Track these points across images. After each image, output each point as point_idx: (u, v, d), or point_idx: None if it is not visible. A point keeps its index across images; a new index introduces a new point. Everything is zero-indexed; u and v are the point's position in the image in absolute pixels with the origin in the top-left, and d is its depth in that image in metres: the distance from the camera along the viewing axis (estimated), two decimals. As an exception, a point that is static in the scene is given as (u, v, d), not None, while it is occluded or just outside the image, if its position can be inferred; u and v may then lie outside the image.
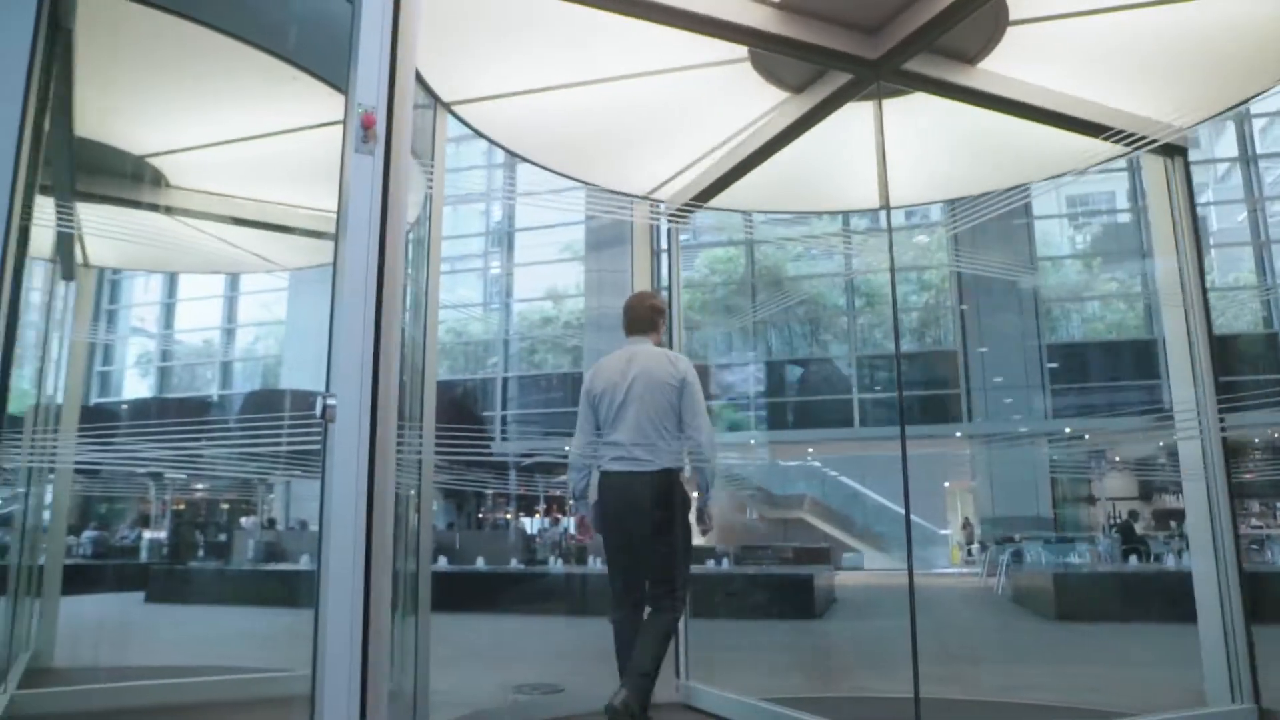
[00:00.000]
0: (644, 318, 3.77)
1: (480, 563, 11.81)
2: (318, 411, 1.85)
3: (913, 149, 4.35)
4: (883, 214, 5.43)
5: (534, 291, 23.55)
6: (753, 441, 20.17)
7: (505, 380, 22.31)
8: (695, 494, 3.71)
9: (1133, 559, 10.91)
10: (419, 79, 3.40)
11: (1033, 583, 10.62)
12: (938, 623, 8.85)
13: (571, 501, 3.73)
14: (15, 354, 2.53)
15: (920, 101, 3.89)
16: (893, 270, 3.87)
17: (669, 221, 4.70)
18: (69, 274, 5.25)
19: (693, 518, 3.64)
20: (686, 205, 4.47)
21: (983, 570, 16.17)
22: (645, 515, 3.48)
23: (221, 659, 6.22)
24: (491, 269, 23.30)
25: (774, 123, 3.87)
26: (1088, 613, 8.90)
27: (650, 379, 3.57)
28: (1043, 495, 18.38)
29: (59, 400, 5.30)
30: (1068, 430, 17.88)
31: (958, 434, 19.16)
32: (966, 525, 20.72)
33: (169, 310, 25.49)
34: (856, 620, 9.82)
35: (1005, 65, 3.59)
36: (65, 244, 4.89)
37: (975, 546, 19.23)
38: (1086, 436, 18.42)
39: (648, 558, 3.52)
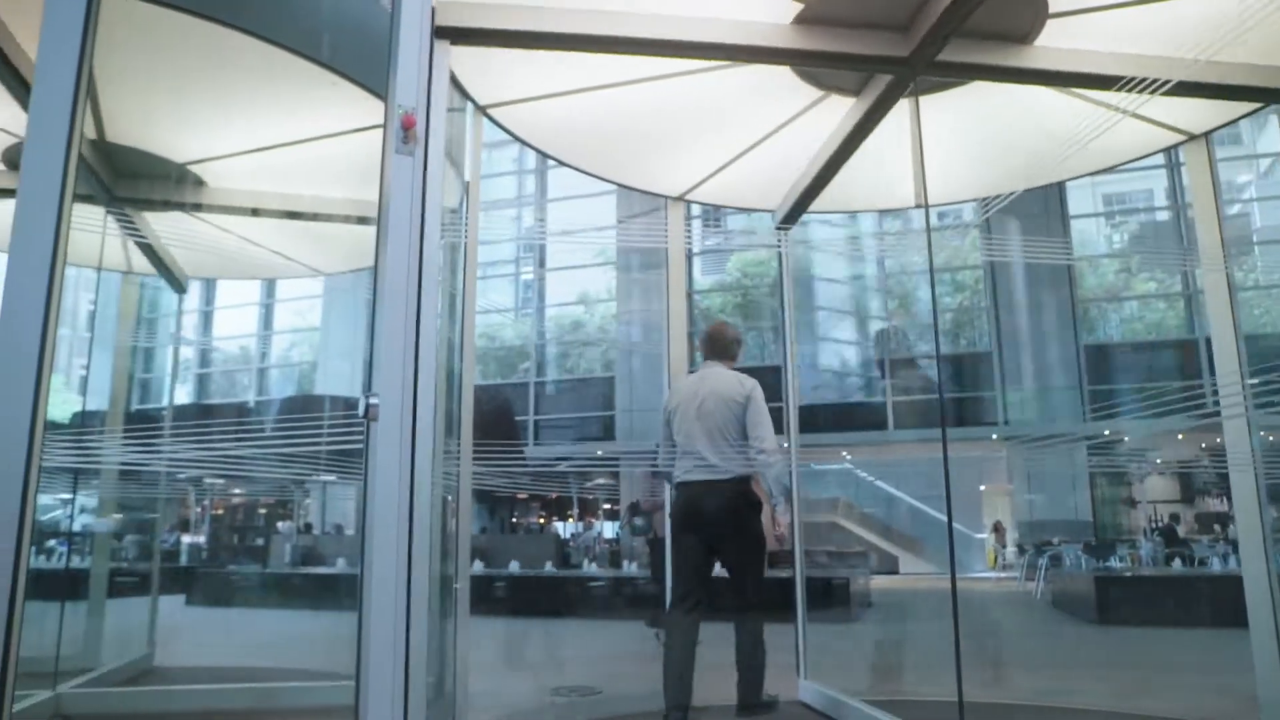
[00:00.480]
0: (723, 346, 4.17)
1: (514, 566, 11.84)
2: (360, 411, 1.86)
3: (947, 147, 4.31)
4: (914, 213, 5.40)
5: (566, 296, 23.62)
6: (785, 445, 20.04)
7: (537, 385, 22.39)
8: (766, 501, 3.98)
9: (1176, 562, 10.70)
10: (454, 82, 3.42)
11: (1073, 586, 10.45)
12: (977, 627, 8.74)
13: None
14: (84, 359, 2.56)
15: (956, 99, 3.85)
16: (931, 271, 3.84)
17: (778, 231, 4.90)
18: (181, 286, 5.44)
19: (767, 522, 3.90)
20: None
21: (1021, 574, 15.95)
22: (717, 521, 3.80)
23: (279, 662, 6.28)
24: (523, 274, 23.40)
25: (837, 131, 3.84)
26: (1131, 617, 8.75)
27: (719, 397, 3.92)
28: (1081, 498, 18.10)
29: (140, 406, 5.44)
30: (1106, 432, 17.60)
31: (993, 436, 18.93)
32: (998, 528, 20.45)
33: (207, 318, 25.86)
34: (893, 624, 9.73)
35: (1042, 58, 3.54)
36: (160, 257, 5.03)
37: (1011, 550, 18.98)
38: (1126, 439, 18.13)
39: (721, 560, 3.86)
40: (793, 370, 4.81)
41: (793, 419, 4.75)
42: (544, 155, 4.22)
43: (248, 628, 9.38)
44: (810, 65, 3.46)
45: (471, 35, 3.10)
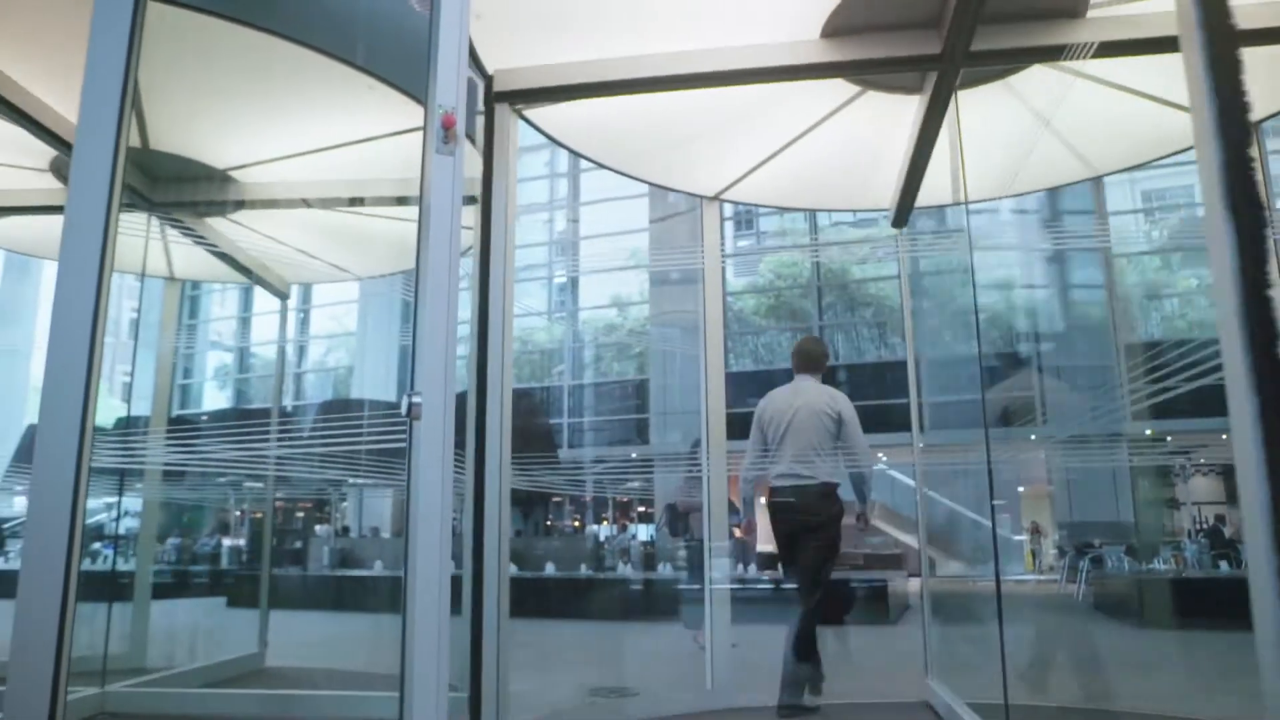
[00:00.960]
0: (813, 361, 4.58)
1: (549, 569, 11.86)
2: (403, 410, 1.87)
3: (984, 143, 4.26)
4: (948, 211, 5.34)
5: (599, 299, 23.66)
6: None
7: (571, 388, 22.43)
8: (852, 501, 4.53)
9: (1223, 564, 10.47)
10: (490, 83, 3.43)
11: (1116, 589, 10.27)
12: (1019, 630, 8.61)
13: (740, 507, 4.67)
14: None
15: (994, 93, 3.80)
16: (972, 269, 3.80)
17: (895, 231, 4.97)
18: (282, 292, 5.56)
19: (850, 521, 4.41)
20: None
21: (1061, 576, 15.71)
22: (802, 522, 4.26)
23: (333, 663, 6.34)
24: (556, 278, 23.47)
25: (910, 132, 3.82)
26: (1176, 620, 8.58)
27: (811, 409, 4.34)
28: (1123, 500, 17.79)
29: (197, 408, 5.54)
30: (1148, 432, 17.29)
31: (1032, 437, 18.66)
32: (1036, 530, 20.14)
33: (244, 324, 26.22)
34: (934, 626, 9.60)
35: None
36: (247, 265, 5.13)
37: (1051, 553, 18.69)
38: (1169, 439, 17.79)
39: (798, 556, 4.26)
40: (913, 366, 5.09)
41: (915, 417, 4.98)
42: (579, 156, 4.22)
43: (295, 629, 9.47)
44: (846, 75, 3.50)
45: (531, 96, 3.44)
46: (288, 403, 25.09)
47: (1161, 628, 8.53)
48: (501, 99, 3.39)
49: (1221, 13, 1.80)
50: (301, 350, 25.53)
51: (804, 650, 4.12)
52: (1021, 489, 21.26)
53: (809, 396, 4.40)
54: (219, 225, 4.74)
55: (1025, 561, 20.51)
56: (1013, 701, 3.26)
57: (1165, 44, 3.25)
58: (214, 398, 26.32)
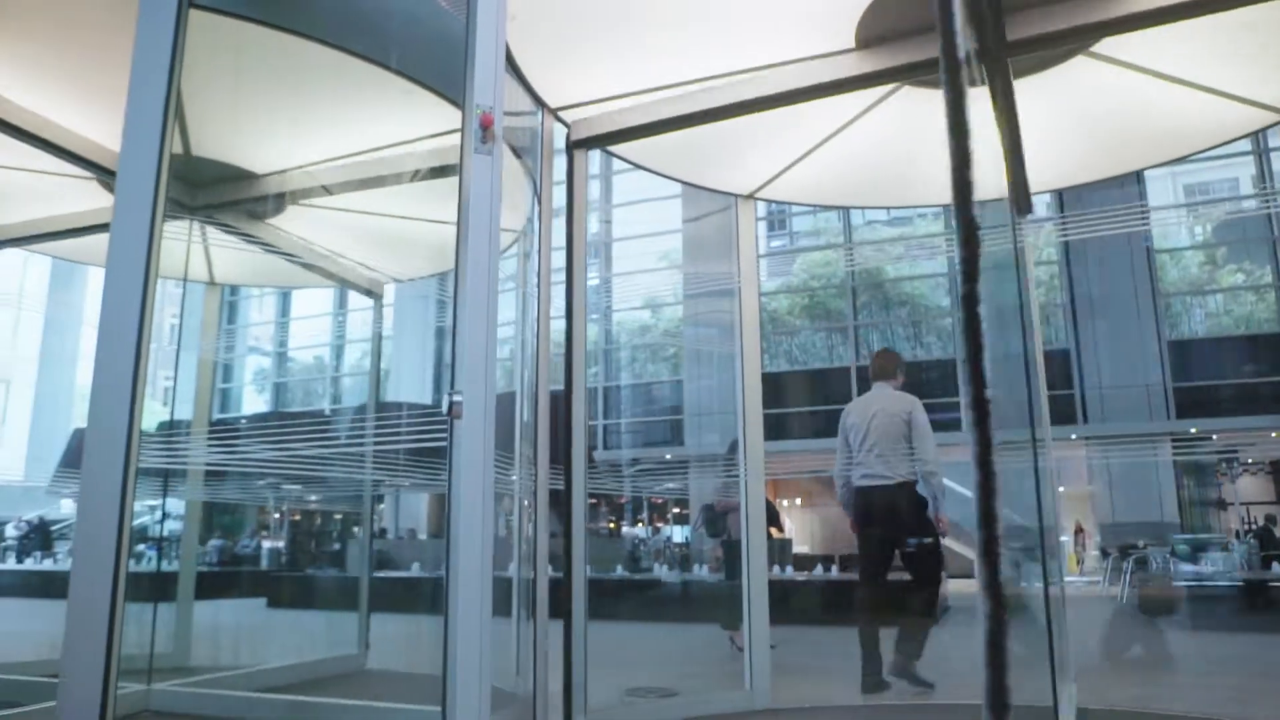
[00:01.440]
0: (887, 369, 5.00)
1: (585, 570, 11.86)
2: (444, 409, 1.88)
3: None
4: (985, 208, 5.25)
5: (632, 301, 23.67)
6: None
7: (605, 390, 22.46)
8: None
9: (1275, 566, 10.24)
10: (525, 85, 3.44)
11: (1161, 591, 10.08)
12: (1062, 631, 8.47)
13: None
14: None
15: (1030, 86, 3.74)
16: (1019, 266, 3.73)
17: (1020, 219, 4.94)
18: (376, 292, 5.69)
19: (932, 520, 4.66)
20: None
21: (1104, 579, 15.44)
22: (888, 518, 4.64)
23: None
24: (589, 280, 23.51)
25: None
26: (1225, 622, 8.41)
27: (887, 414, 4.74)
28: (1167, 500, 17.46)
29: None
30: (1193, 430, 16.97)
31: (1073, 436, 18.37)
32: (1079, 531, 19.81)
33: (282, 328, 26.54)
34: (973, 627, 9.48)
35: (1125, 45, 3.43)
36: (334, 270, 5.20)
37: (1095, 554, 18.37)
38: (1214, 437, 17.44)
39: (898, 548, 4.64)
40: (1040, 360, 5.02)
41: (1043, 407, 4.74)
42: (615, 157, 4.22)
43: (335, 630, 9.56)
44: (885, 83, 3.50)
45: (601, 140, 3.79)
46: (325, 406, 25.37)
47: (1211, 630, 8.36)
48: (579, 145, 3.78)
49: None
50: (339, 353, 25.81)
51: (921, 630, 4.62)
52: (1062, 489, 20.94)
53: (884, 403, 4.82)
54: (262, 230, 4.80)
55: (1068, 563, 20.18)
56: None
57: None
58: (253, 401, 26.69)
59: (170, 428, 5.85)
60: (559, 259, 3.67)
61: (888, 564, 4.72)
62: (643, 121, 3.64)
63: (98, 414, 2.37)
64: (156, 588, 5.29)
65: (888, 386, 4.94)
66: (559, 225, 3.71)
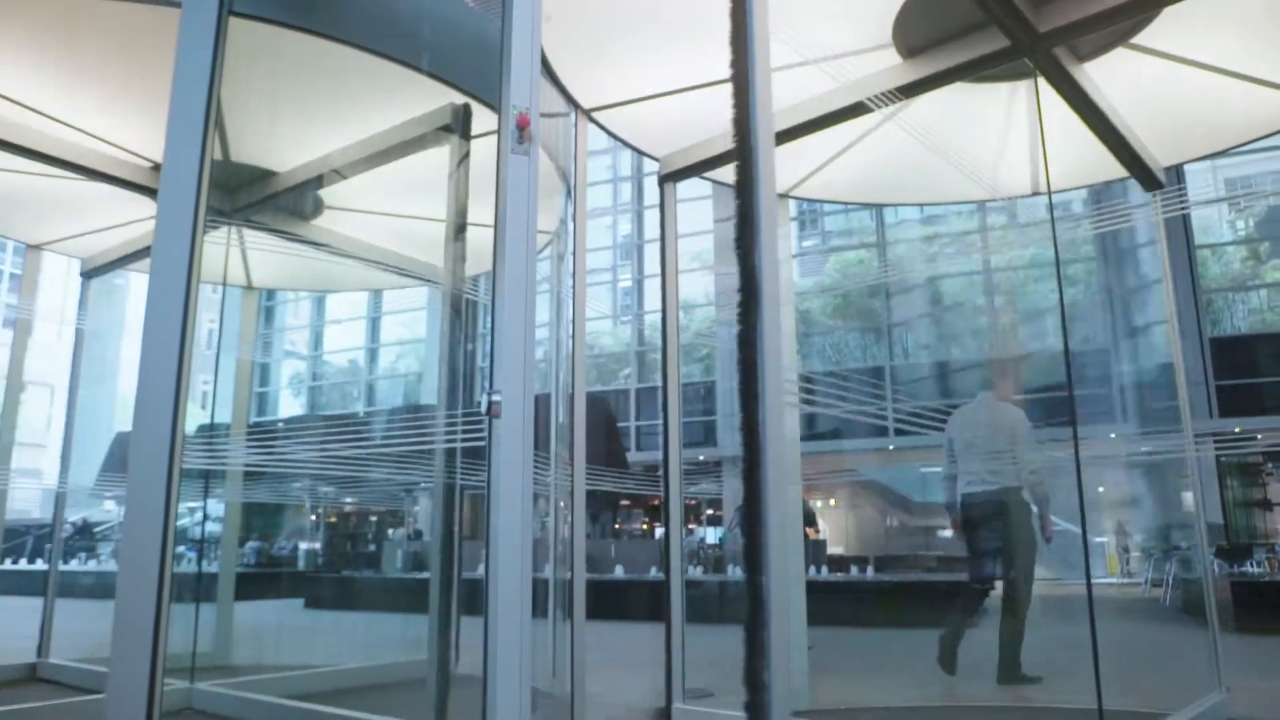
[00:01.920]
0: (989, 382, 5.31)
1: (619, 571, 11.88)
2: (483, 408, 1.88)
3: (1056, 130, 4.13)
4: (1021, 203, 5.20)
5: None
6: (892, 448, 19.60)
7: (637, 392, 22.46)
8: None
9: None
10: (558, 85, 3.46)
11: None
12: (1104, 634, 8.34)
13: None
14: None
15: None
16: (1058, 263, 3.68)
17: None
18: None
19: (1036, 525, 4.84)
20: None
21: (1145, 580, 15.17)
22: (992, 524, 4.82)
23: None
24: (621, 282, 23.55)
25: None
26: (1273, 624, 8.22)
27: (993, 424, 5.00)
28: (1210, 500, 17.12)
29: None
30: (1237, 429, 16.64)
31: (1112, 435, 18.08)
32: (1120, 531, 19.48)
33: (317, 333, 26.83)
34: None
35: (1165, 36, 3.37)
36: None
37: (1135, 555, 18.06)
38: (1259, 436, 17.08)
39: (995, 555, 4.86)
40: (1179, 350, 5.32)
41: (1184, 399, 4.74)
42: (647, 157, 4.22)
43: (378, 630, 9.66)
44: (938, 86, 3.50)
45: (692, 170, 4.09)
46: (360, 409, 25.59)
47: (1259, 633, 8.18)
48: (670, 179, 4.13)
49: None
50: (373, 356, 26.05)
51: (1018, 633, 4.76)
52: (1101, 489, 20.63)
53: (990, 413, 5.09)
54: (301, 232, 4.85)
55: (1108, 564, 19.87)
56: (1107, 707, 3.17)
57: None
58: (289, 404, 26.99)
59: (210, 430, 5.93)
60: (594, 260, 3.69)
61: (996, 566, 4.97)
62: (722, 150, 3.83)
63: (142, 419, 2.40)
64: (198, 588, 5.37)
65: (993, 395, 5.18)
66: (596, 227, 3.75)
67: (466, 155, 3.60)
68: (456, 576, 5.58)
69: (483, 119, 3.55)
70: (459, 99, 3.55)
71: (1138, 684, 5.15)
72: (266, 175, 4.33)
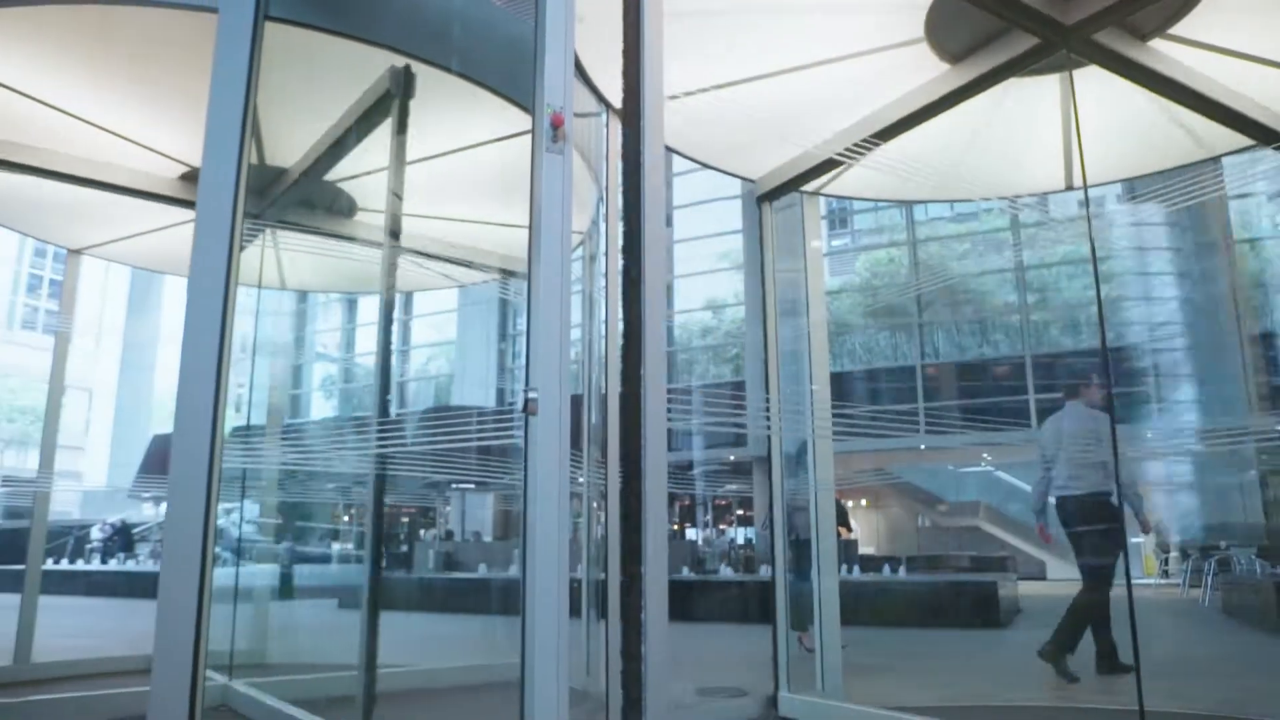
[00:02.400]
0: (1073, 390, 5.58)
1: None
2: (519, 405, 1.89)
3: (1090, 124, 4.08)
4: (1053, 198, 5.13)
5: (693, 302, 23.64)
6: (923, 447, 19.45)
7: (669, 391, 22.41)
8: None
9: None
10: (589, 84, 3.46)
11: (1247, 593, 9.71)
12: (1144, 635, 8.22)
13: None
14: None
15: (1095, 73, 3.64)
16: (1094, 258, 3.64)
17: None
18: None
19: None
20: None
21: (1184, 581, 14.92)
22: (1080, 525, 5.13)
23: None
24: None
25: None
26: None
27: (1078, 430, 5.31)
28: (1250, 499, 16.80)
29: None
30: (1279, 428, 16.31)
31: (1149, 434, 17.81)
32: (1158, 530, 19.15)
33: (348, 335, 27.07)
34: (1048, 631, 9.26)
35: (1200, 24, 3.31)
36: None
37: (1175, 555, 17.75)
38: (1307, 433, 16.72)
39: (1090, 555, 5.10)
40: (1248, 348, 5.48)
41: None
42: (678, 154, 4.22)
43: (418, 629, 9.72)
44: (982, 91, 3.50)
45: (787, 188, 4.33)
46: (392, 411, 25.74)
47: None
48: (768, 198, 4.40)
49: None
50: (403, 358, 26.24)
51: (1107, 626, 5.03)
52: (1139, 488, 20.29)
53: (1074, 421, 5.42)
54: (335, 234, 4.89)
55: (1145, 565, 19.56)
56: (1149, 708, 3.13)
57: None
58: (321, 407, 27.25)
59: (246, 432, 6.00)
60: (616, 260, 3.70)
61: (1104, 558, 5.17)
62: (808, 167, 4.15)
63: (183, 422, 2.43)
64: (236, 588, 5.43)
65: (1079, 403, 5.50)
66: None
67: (405, 118, 3.62)
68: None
69: (510, 119, 3.56)
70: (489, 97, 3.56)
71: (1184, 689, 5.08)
72: (302, 178, 4.38)
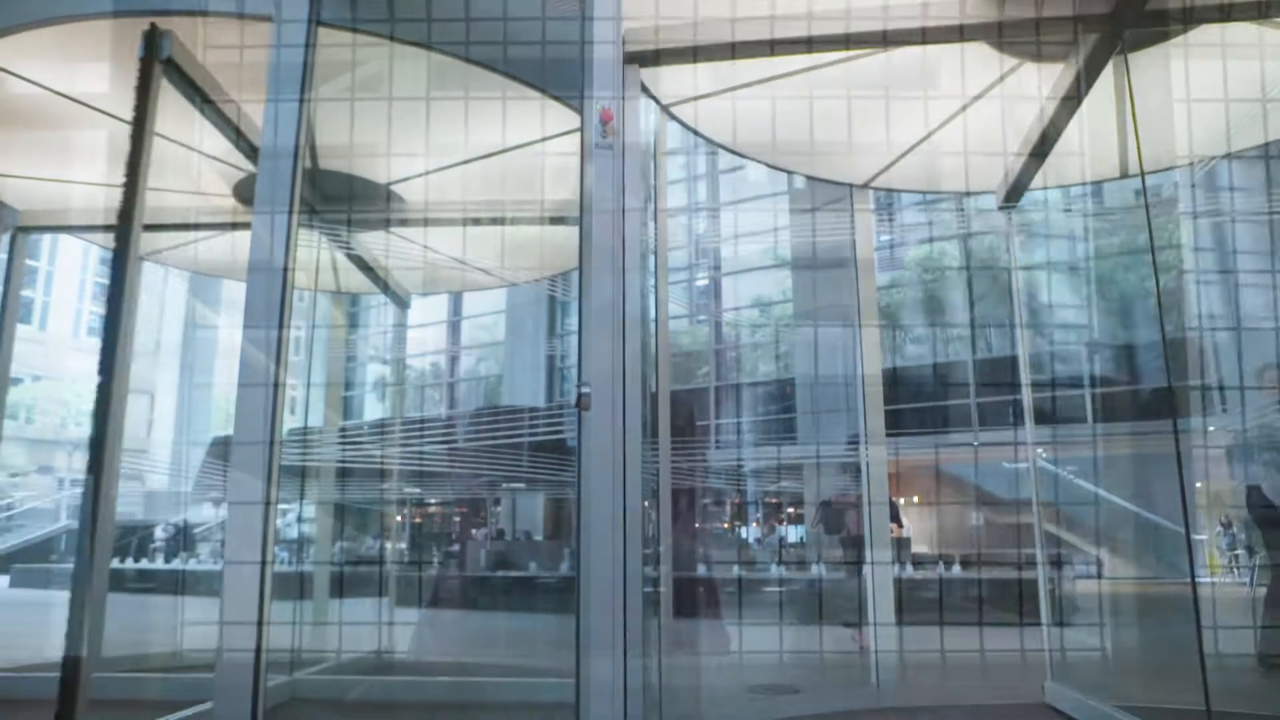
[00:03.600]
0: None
1: (700, 569, 11.84)
2: (573, 400, 1.90)
3: (1149, 109, 3.97)
4: (1108, 187, 5.01)
5: (740, 300, 23.53)
6: (976, 443, 19.12)
7: (716, 390, 22.38)
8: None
9: None
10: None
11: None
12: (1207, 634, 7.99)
13: None
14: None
15: (1157, 54, 3.55)
16: (1153, 248, 3.56)
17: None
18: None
19: None
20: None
21: (1251, 579, 14.47)
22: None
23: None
24: (698, 280, 23.49)
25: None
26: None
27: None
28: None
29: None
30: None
31: (1211, 428, 17.29)
32: (1229, 526, 18.58)
33: (400, 336, 27.34)
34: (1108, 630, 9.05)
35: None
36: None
37: (1240, 552, 17.22)
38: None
39: None
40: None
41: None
42: (727, 150, 4.21)
43: (475, 626, 9.81)
44: (1011, 38, 3.36)
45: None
46: (443, 411, 26.04)
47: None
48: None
49: None
50: (453, 360, 26.49)
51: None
52: (1199, 484, 19.75)
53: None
54: (380, 238, 4.96)
55: (1208, 562, 19.02)
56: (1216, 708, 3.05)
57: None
58: (374, 408, 27.58)
59: (304, 434, 6.12)
60: (676, 258, 3.68)
61: None
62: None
63: (243, 424, 2.48)
64: (296, 586, 5.54)
65: None
66: (673, 225, 3.72)
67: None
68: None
69: (557, 117, 3.57)
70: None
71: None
72: (359, 183, 4.45)
